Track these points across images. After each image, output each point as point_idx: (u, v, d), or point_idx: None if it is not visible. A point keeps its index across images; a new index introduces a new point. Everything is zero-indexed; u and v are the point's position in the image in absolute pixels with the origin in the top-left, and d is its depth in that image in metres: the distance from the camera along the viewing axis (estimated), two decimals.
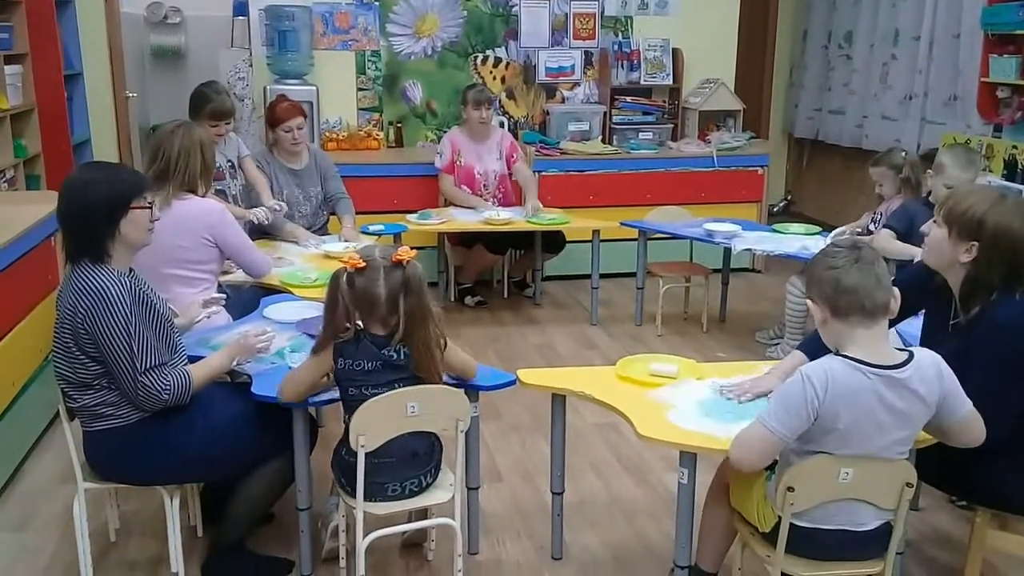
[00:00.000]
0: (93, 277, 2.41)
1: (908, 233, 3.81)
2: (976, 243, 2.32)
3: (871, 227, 4.34)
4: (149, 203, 2.55)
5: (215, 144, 4.19)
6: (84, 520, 2.63)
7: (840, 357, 2.08)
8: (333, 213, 4.65)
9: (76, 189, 2.49)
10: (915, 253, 3.46)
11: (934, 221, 2.43)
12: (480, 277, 5.63)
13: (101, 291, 2.38)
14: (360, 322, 2.44)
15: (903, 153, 4.29)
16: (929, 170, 3.83)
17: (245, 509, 2.70)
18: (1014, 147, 5.30)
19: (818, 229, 4.77)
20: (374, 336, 2.41)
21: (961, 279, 2.38)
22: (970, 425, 2.19)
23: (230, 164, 4.29)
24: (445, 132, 5.64)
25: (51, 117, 5.13)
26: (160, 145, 3.25)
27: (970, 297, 2.36)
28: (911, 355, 2.10)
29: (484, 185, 5.35)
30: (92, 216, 2.44)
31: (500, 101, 6.16)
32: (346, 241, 4.14)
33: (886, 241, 3.82)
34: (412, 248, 2.51)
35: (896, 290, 2.13)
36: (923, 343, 2.56)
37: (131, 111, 6.68)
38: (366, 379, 2.41)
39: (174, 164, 3.20)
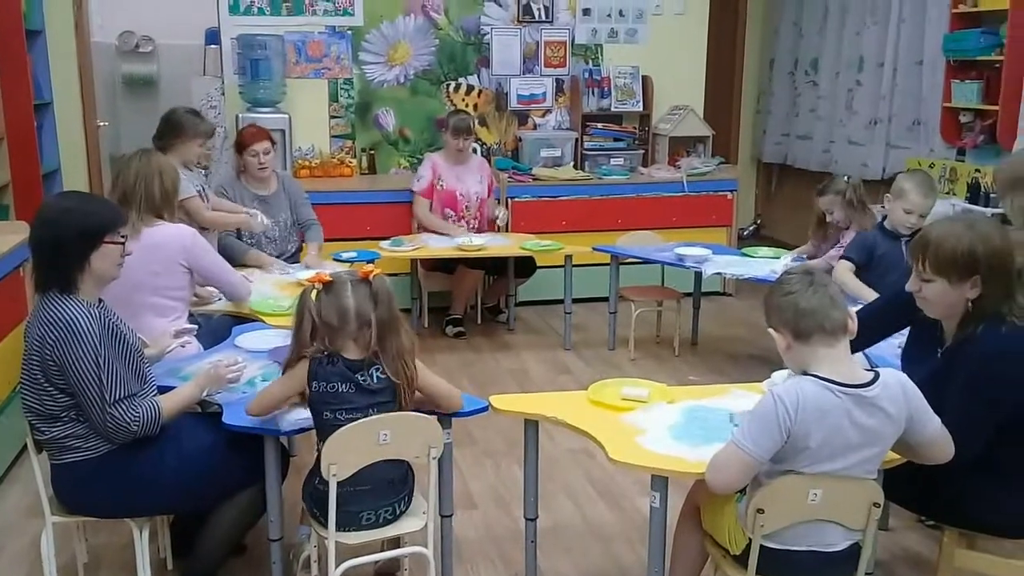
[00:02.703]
0: (62, 308, 2.39)
1: (867, 263, 3.81)
2: (977, 275, 2.32)
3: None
4: (123, 237, 2.54)
5: (195, 168, 4.20)
6: (52, 554, 2.59)
7: (810, 377, 2.11)
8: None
9: (49, 218, 2.48)
10: (869, 296, 3.46)
11: (924, 280, 2.38)
12: (469, 302, 5.62)
13: (70, 322, 2.37)
14: (330, 345, 2.45)
15: (845, 178, 4.32)
16: (887, 194, 3.87)
17: (216, 541, 2.67)
18: (977, 170, 5.41)
19: (787, 253, 4.82)
20: (347, 360, 2.42)
21: (964, 312, 2.38)
22: (938, 442, 2.22)
23: (201, 189, 4.28)
24: (419, 159, 5.67)
25: (21, 146, 5.10)
26: (118, 172, 3.27)
27: (972, 324, 2.36)
28: (877, 374, 2.14)
29: (466, 207, 5.38)
30: (63, 246, 2.43)
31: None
32: (308, 268, 4.14)
33: (845, 275, 3.76)
34: (386, 275, 2.53)
35: (852, 310, 2.18)
36: (904, 362, 2.59)
37: (102, 140, 6.67)
38: (339, 403, 2.41)
39: (131, 190, 3.19)
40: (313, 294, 2.43)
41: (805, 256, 4.50)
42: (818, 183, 4.51)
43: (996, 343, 2.31)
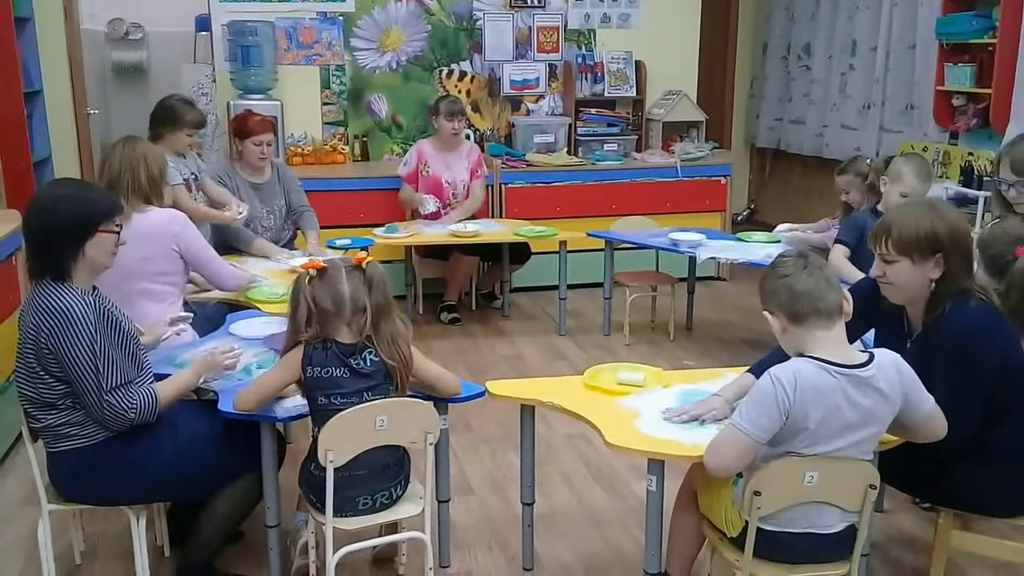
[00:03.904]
0: (57, 296, 2.38)
1: (859, 245, 3.81)
2: (940, 254, 2.35)
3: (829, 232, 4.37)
4: (118, 227, 2.54)
5: (186, 156, 4.18)
6: (49, 543, 2.60)
7: (806, 358, 2.12)
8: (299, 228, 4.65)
9: (44, 206, 2.47)
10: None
11: (885, 261, 2.41)
12: (463, 288, 5.62)
13: (65, 310, 2.36)
14: (323, 331, 2.45)
15: (868, 161, 4.30)
16: (884, 176, 3.86)
17: (213, 528, 2.67)
18: (970, 154, 5.42)
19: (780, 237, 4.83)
20: (341, 344, 2.43)
21: (929, 294, 2.40)
22: (934, 420, 2.24)
23: (194, 177, 4.26)
24: (411, 145, 5.65)
25: (11, 135, 5.07)
26: (104, 161, 3.26)
27: (938, 305, 2.38)
28: (872, 356, 2.15)
29: (453, 194, 5.36)
30: (57, 233, 2.42)
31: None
32: (310, 256, 4.13)
33: (839, 260, 3.79)
34: (380, 262, 2.53)
35: (847, 292, 2.19)
36: None
37: (92, 128, 6.62)
38: (333, 387, 2.42)
39: (117, 177, 3.18)
40: (308, 280, 2.43)
41: (810, 230, 4.50)
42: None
43: (968, 318, 2.34)
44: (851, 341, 2.60)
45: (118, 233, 2.54)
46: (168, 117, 4.13)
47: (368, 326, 2.42)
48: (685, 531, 2.51)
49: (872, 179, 4.14)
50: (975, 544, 2.53)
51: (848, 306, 2.17)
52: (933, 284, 2.39)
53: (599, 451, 3.60)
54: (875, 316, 2.55)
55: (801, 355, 2.15)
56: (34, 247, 2.46)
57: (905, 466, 2.45)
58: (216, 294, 3.58)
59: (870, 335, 2.69)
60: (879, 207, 3.85)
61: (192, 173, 4.27)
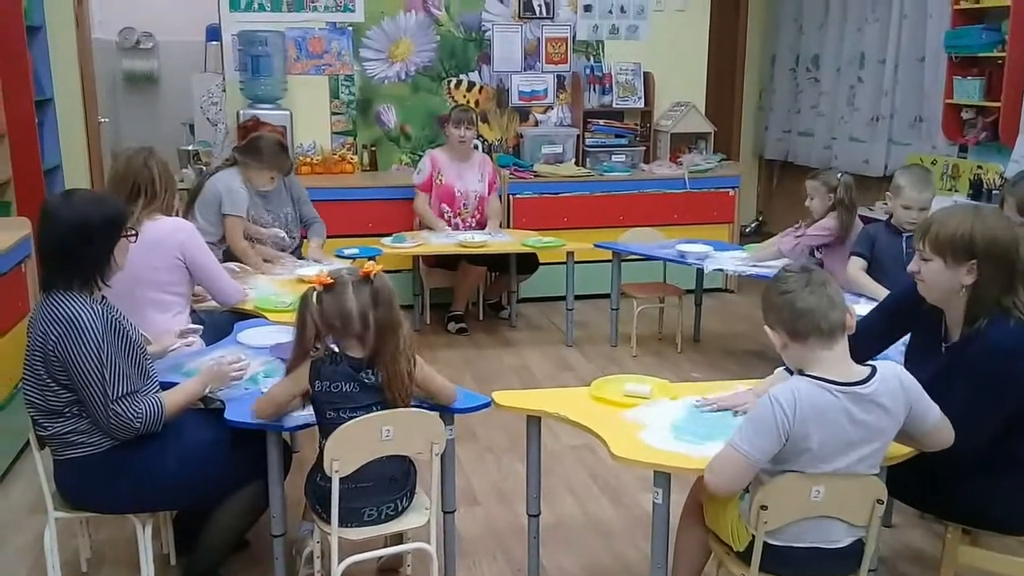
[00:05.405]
0: (65, 305, 2.39)
1: (873, 255, 3.83)
2: (974, 260, 2.33)
3: (797, 232, 4.37)
4: (133, 231, 2.58)
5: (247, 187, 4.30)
6: (55, 550, 2.60)
7: (805, 377, 2.11)
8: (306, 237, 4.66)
9: (70, 215, 2.46)
10: (882, 294, 3.44)
11: (922, 258, 2.40)
12: (471, 298, 5.63)
13: (73, 318, 2.37)
14: (335, 345, 2.45)
15: (839, 175, 4.34)
16: (887, 192, 3.88)
17: (218, 537, 2.68)
18: (979, 167, 5.40)
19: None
20: (351, 358, 2.42)
21: (965, 302, 2.38)
22: (940, 430, 2.23)
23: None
24: (420, 156, 5.67)
25: (22, 143, 5.09)
26: (136, 175, 3.15)
27: (977, 316, 2.35)
28: (874, 370, 2.14)
29: (464, 204, 5.37)
30: (95, 240, 2.45)
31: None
32: (316, 262, 4.16)
33: (857, 273, 3.79)
34: (387, 272, 2.52)
35: (852, 307, 2.18)
36: (908, 362, 2.57)
37: (103, 136, 6.67)
38: (344, 402, 2.41)
39: (151, 189, 3.15)
40: (314, 297, 2.42)
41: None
42: None
43: (1004, 339, 2.30)
44: (888, 345, 2.65)
45: (134, 236, 2.59)
46: (257, 155, 4.28)
47: (373, 343, 2.40)
48: (691, 544, 2.50)
49: (841, 193, 4.19)
50: (983, 560, 2.51)
51: (852, 320, 2.16)
52: (966, 290, 2.36)
53: (605, 463, 3.59)
54: (914, 320, 2.54)
55: (801, 372, 2.14)
56: (64, 256, 2.43)
57: (913, 480, 2.43)
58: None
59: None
60: (892, 221, 3.85)
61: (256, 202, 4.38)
